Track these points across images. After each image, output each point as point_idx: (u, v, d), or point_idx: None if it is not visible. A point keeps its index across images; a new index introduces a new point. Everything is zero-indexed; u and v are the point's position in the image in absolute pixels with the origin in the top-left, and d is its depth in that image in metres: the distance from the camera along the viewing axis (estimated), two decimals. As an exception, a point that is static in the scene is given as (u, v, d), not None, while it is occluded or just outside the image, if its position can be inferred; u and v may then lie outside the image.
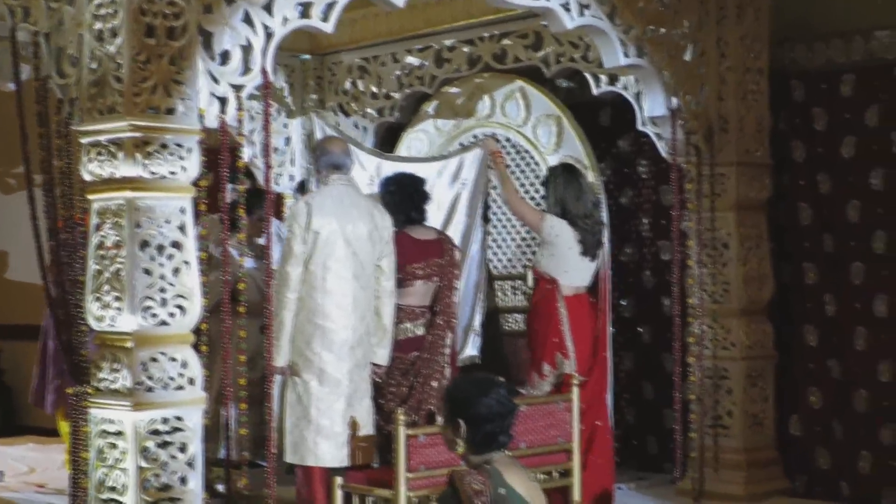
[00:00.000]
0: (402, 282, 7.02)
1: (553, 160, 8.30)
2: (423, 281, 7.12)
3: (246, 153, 8.22)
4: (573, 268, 7.38)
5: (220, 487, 7.17)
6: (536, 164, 8.33)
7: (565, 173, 7.50)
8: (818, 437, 7.85)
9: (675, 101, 7.54)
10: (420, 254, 7.10)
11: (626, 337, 8.54)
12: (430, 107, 8.82)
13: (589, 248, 7.41)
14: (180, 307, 5.53)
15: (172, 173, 5.52)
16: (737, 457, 7.69)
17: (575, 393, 7.00)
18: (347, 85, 9.29)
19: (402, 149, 8.79)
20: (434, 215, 7.53)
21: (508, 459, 4.43)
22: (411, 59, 8.99)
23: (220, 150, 5.95)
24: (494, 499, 4.27)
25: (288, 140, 8.89)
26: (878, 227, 7.60)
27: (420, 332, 7.11)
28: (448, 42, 8.79)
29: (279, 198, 8.77)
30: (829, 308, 7.83)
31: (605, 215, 7.78)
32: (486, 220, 7.90)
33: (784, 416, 7.93)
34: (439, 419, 6.81)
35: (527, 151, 8.37)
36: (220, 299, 6.13)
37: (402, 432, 6.27)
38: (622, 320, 8.51)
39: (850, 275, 7.73)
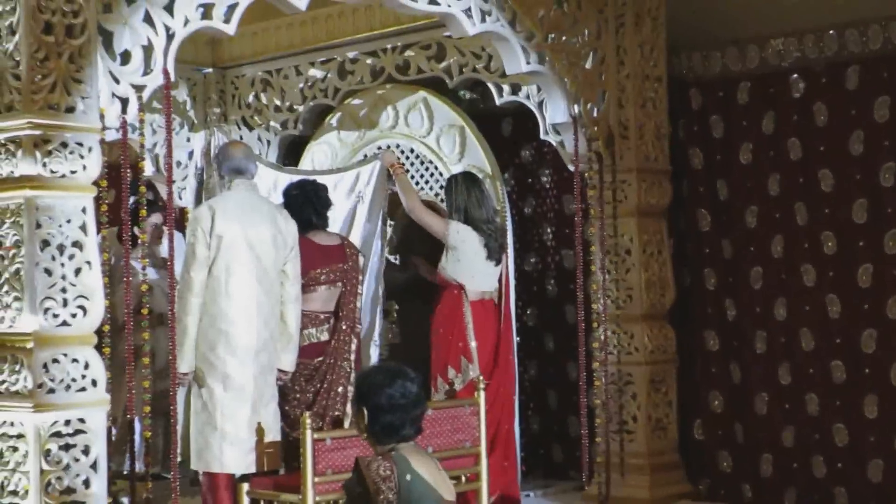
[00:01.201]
0: (305, 287, 7.01)
1: (457, 170, 8.36)
2: (326, 286, 7.13)
3: (148, 168, 8.16)
4: (479, 273, 7.44)
5: (125, 501, 7.07)
6: (440, 174, 8.39)
7: (466, 181, 7.57)
8: (720, 440, 7.96)
9: (576, 108, 7.64)
10: (323, 259, 7.10)
11: (530, 346, 8.58)
12: (333, 119, 8.86)
13: (493, 253, 7.48)
14: (82, 307, 5.48)
15: (73, 172, 5.48)
16: (641, 461, 7.76)
17: (481, 397, 7.03)
18: (251, 98, 9.28)
19: (307, 161, 8.80)
20: (331, 229, 7.53)
21: (415, 447, 4.45)
22: (314, 72, 9.00)
23: (120, 166, 5.93)
24: (401, 485, 4.29)
25: (191, 154, 8.84)
26: (777, 232, 7.74)
27: (324, 337, 7.11)
28: (351, 54, 8.83)
29: (182, 212, 8.72)
30: (729, 313, 7.95)
31: (507, 222, 7.84)
32: (384, 234, 7.90)
33: (687, 421, 8.02)
34: (346, 425, 6.83)
35: (430, 162, 8.43)
36: (125, 319, 6.10)
37: (308, 436, 6.26)
38: (526, 329, 8.57)
39: (749, 279, 7.86)
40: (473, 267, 7.42)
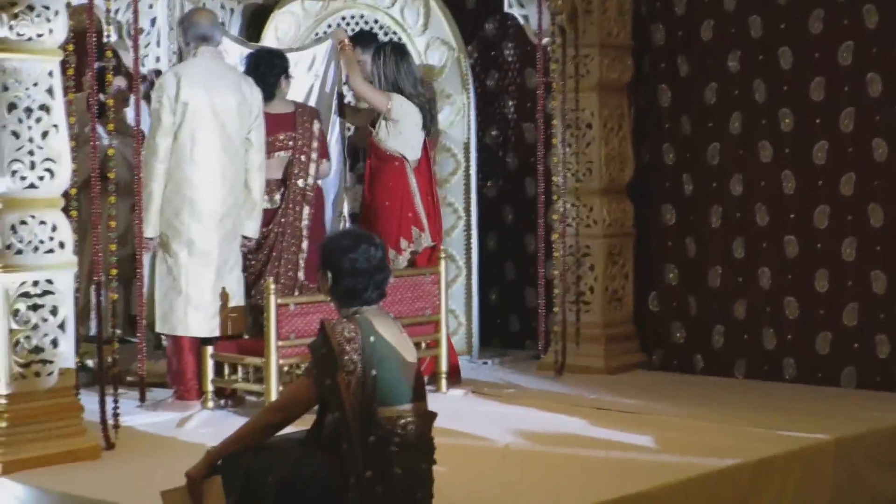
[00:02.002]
0: None
1: (421, 42, 8.41)
2: (276, 153, 7.19)
3: (112, 35, 8.14)
4: (417, 143, 7.53)
5: (90, 363, 7.20)
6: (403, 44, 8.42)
7: (395, 53, 7.56)
8: (674, 312, 8.13)
9: (541, -19, 7.67)
10: (273, 127, 7.13)
11: (488, 218, 8.68)
12: (297, -12, 8.83)
13: (426, 124, 7.56)
14: (49, 171, 5.53)
15: (39, 35, 5.50)
16: (597, 332, 7.95)
17: (442, 266, 7.18)
18: (214, -35, 9.20)
19: (270, 30, 8.78)
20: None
21: (378, 310, 4.54)
22: (278, -62, 8.95)
23: (85, 32, 5.93)
24: (364, 346, 4.39)
25: (153, 20, 8.77)
26: (735, 109, 7.83)
27: (275, 205, 7.20)
28: (316, -80, 8.78)
29: (144, 79, 8.70)
30: (686, 188, 8.07)
31: (470, 95, 7.90)
32: (340, 114, 7.92)
33: (642, 293, 8.19)
34: (296, 293, 6.96)
35: (394, 33, 8.45)
36: (88, 176, 6.14)
37: (272, 301, 6.38)
38: (485, 201, 8.67)
39: (707, 156, 7.96)
40: (414, 138, 7.50)
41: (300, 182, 7.24)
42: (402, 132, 7.46)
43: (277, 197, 7.21)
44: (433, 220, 7.56)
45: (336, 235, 4.76)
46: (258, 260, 7.16)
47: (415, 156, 7.52)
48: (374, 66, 7.55)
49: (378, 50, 7.62)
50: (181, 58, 7.56)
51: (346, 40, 7.75)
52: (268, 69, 7.27)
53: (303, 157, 7.25)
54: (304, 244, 7.20)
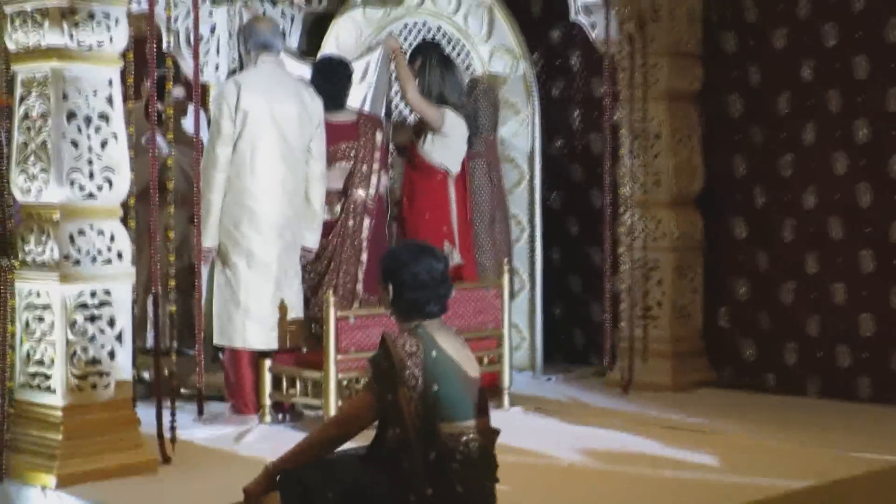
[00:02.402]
0: None
1: (485, 50, 8.44)
2: (338, 163, 7.23)
3: (172, 43, 8.23)
4: (461, 157, 7.59)
5: (147, 375, 7.26)
6: (467, 53, 8.48)
7: (441, 64, 7.59)
8: (745, 328, 8.07)
9: (608, -12, 7.68)
10: (334, 137, 7.17)
11: (553, 230, 8.68)
12: (358, -5, 8.89)
13: (473, 135, 7.64)
14: (108, 180, 5.59)
15: (100, 43, 5.56)
16: (665, 347, 7.91)
17: (506, 279, 7.17)
18: (274, -27, 9.29)
19: (331, 38, 8.83)
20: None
21: (440, 324, 4.53)
22: (340, -54, 9.01)
23: (144, 40, 5.99)
24: (426, 361, 4.39)
25: (213, 28, 8.85)
26: (808, 119, 7.77)
27: (335, 216, 7.24)
28: (379, -72, 8.84)
29: (204, 88, 8.77)
30: (758, 200, 8.01)
31: (534, 104, 7.91)
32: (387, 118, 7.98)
33: (712, 308, 8.14)
34: (356, 304, 6.99)
35: (458, 41, 8.49)
36: (146, 185, 6.20)
37: (332, 314, 6.41)
38: (550, 213, 8.66)
39: (779, 167, 7.90)
40: (459, 153, 7.56)
41: (361, 193, 7.27)
42: (449, 146, 7.50)
43: (338, 208, 7.25)
44: (464, 237, 7.58)
45: (398, 248, 4.77)
46: (317, 272, 7.20)
47: (458, 169, 7.57)
48: (420, 76, 7.57)
49: (423, 60, 7.63)
50: (241, 66, 7.62)
51: (399, 50, 7.75)
52: (332, 77, 7.32)
53: (364, 168, 7.29)
54: (364, 256, 7.23)
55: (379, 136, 7.38)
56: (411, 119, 8.06)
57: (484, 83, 8.27)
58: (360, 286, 7.22)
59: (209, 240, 6.70)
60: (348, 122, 7.33)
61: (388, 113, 7.95)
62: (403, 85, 7.54)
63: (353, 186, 7.27)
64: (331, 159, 7.17)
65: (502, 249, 8.05)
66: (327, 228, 7.18)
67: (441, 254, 4.61)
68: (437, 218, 7.48)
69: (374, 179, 7.32)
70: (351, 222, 7.24)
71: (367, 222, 7.28)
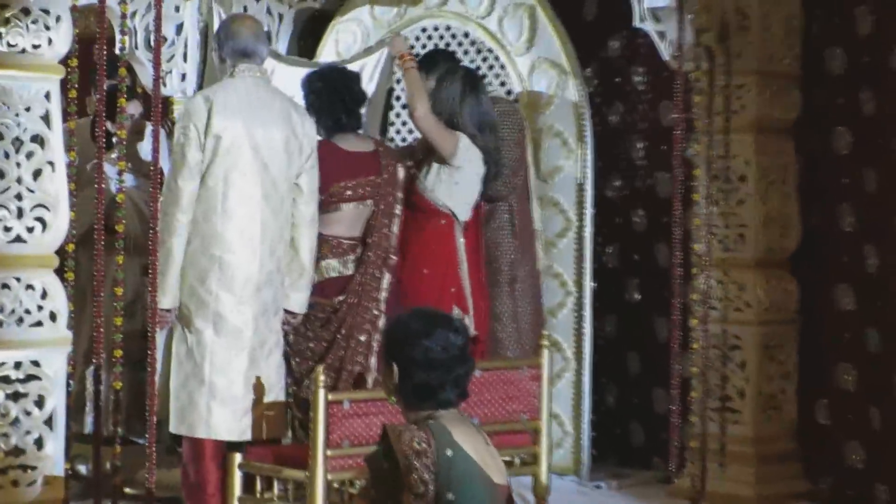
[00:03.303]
0: (327, 205, 7.14)
1: (524, 63, 8.49)
2: (353, 204, 7.26)
3: (126, 43, 8.28)
4: (472, 199, 7.55)
5: (83, 468, 7.29)
6: (502, 66, 8.53)
7: (466, 81, 7.56)
8: (851, 427, 8.04)
9: (683, -12, 7.72)
10: (350, 169, 7.22)
11: (608, 294, 8.71)
12: (364, -10, 8.96)
13: (487, 175, 7.54)
14: (41, 220, 5.62)
15: (35, 47, 5.62)
16: (747, 449, 7.90)
17: (545, 357, 7.17)
18: (259, -41, 9.38)
19: (329, 43, 8.93)
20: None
21: (457, 415, 4.54)
22: (342, -74, 9.11)
23: (92, 43, 6.04)
24: (440, 462, 4.39)
25: (180, 28, 8.92)
26: (938, 160, 7.82)
27: (348, 271, 7.25)
28: None
29: (166, 102, 8.83)
30: (869, 262, 8.00)
31: (587, 133, 7.96)
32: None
33: (808, 400, 8.12)
34: (370, 384, 6.99)
35: (489, 51, 8.56)
36: (90, 227, 6.23)
37: (321, 397, 6.41)
38: (605, 273, 8.68)
39: (898, 221, 7.94)
40: (470, 193, 7.51)
41: (383, 242, 7.30)
42: (458, 182, 7.45)
43: (351, 260, 7.29)
44: (479, 301, 7.59)
45: (404, 316, 4.75)
46: (322, 339, 7.21)
47: (467, 215, 7.55)
48: (437, 87, 7.55)
49: (441, 72, 7.63)
50: (211, 77, 7.66)
51: (408, 54, 7.75)
52: (340, 90, 7.34)
53: (385, 210, 7.32)
54: (382, 322, 7.24)
55: (401, 172, 7.40)
56: (410, 140, 8.05)
57: (505, 102, 8.30)
58: (374, 360, 7.21)
59: (168, 299, 6.68)
60: (365, 152, 7.37)
61: (384, 133, 7.95)
62: (413, 98, 7.51)
63: (373, 233, 7.29)
64: (340, 199, 7.22)
65: (525, 318, 8.04)
66: (338, 287, 7.21)
67: (460, 324, 4.62)
68: (439, 274, 7.46)
69: (395, 225, 7.35)
70: (369, 278, 7.27)
71: (386, 279, 7.29)
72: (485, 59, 8.56)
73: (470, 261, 7.55)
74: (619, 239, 8.93)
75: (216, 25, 8.08)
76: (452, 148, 7.39)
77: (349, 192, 7.25)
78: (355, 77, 7.49)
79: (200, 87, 8.34)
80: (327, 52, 9.00)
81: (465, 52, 8.57)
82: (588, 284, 8.43)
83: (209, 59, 8.18)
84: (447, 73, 7.63)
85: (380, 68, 7.95)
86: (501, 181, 7.85)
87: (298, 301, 7.01)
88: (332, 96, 7.30)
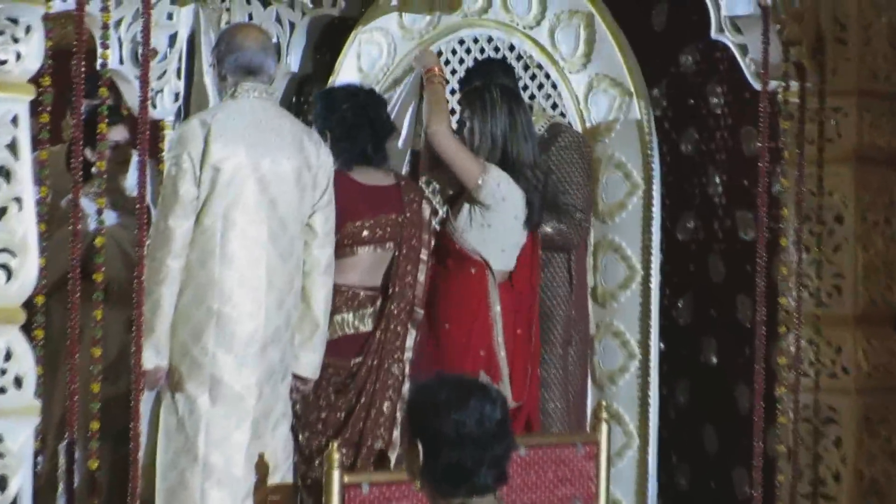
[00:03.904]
0: (340, 248, 7.17)
1: (579, 81, 8.48)
2: (371, 247, 7.29)
3: (108, 57, 8.31)
4: (512, 244, 7.54)
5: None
6: (553, 85, 8.53)
7: (507, 96, 7.58)
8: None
9: (769, -7, 7.71)
10: (367, 206, 7.24)
11: (679, 356, 8.70)
12: (392, -6, 8.99)
13: (534, 216, 7.57)
14: (5, 267, 5.62)
15: (1, 63, 5.62)
16: (846, 545, 7.87)
17: (603, 431, 7.14)
18: (268, -43, 9.42)
19: (350, 56, 8.94)
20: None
21: (496, 502, 4.53)
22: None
23: (69, 57, 6.05)
24: (473, 564, 4.39)
25: (173, 39, 8.97)
26: None
27: (366, 327, 7.25)
28: None
29: (155, 126, 8.86)
30: None
31: (654, 163, 7.95)
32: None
33: (921, 485, 8.10)
34: (393, 462, 6.98)
35: (539, 67, 8.57)
36: (64, 274, 6.23)
37: (335, 479, 6.39)
38: (674, 330, 8.67)
39: None
40: (508, 237, 7.52)
41: (407, 292, 7.29)
42: (490, 224, 7.46)
43: (369, 314, 7.26)
44: (519, 366, 7.56)
45: (430, 384, 4.73)
46: (337, 408, 7.19)
47: (503, 264, 7.55)
48: (470, 115, 7.57)
49: (474, 89, 7.62)
50: (199, 100, 7.67)
51: (437, 69, 7.77)
52: (371, 120, 7.36)
53: (409, 254, 7.33)
54: (406, 387, 7.24)
55: (427, 210, 7.43)
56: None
57: (570, 131, 8.30)
58: (397, 433, 7.20)
59: (155, 358, 6.72)
60: (385, 186, 7.40)
61: (416, 164, 7.96)
62: (430, 112, 7.52)
63: (398, 282, 7.31)
64: (356, 240, 7.23)
65: (575, 386, 8.03)
66: (356, 346, 7.24)
67: (497, 393, 4.59)
68: (464, 332, 7.47)
69: (422, 275, 7.37)
70: (390, 336, 7.27)
71: (412, 337, 7.32)
72: (533, 77, 8.55)
73: (509, 318, 7.52)
74: (693, 291, 8.88)
75: (204, 34, 8.12)
76: (476, 177, 7.41)
77: (366, 233, 7.29)
78: (384, 103, 7.51)
79: (185, 111, 8.37)
80: (348, 68, 9.00)
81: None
82: (655, 345, 8.42)
83: (196, 77, 8.18)
84: (476, 88, 7.62)
85: (406, 89, 7.94)
86: (572, 226, 7.85)
87: (310, 363, 7.04)
88: (360, 121, 7.30)
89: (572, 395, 8.01)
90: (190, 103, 8.82)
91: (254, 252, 6.79)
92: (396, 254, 7.33)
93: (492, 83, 7.68)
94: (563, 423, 7.93)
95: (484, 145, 7.53)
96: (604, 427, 7.15)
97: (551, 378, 8.00)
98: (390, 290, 7.31)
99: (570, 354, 8.09)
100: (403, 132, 7.94)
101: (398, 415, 7.22)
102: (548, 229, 7.94)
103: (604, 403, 7.34)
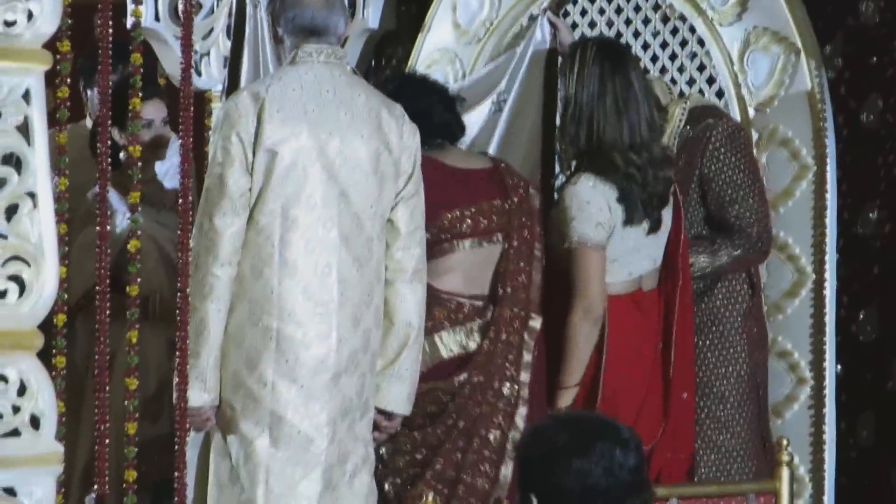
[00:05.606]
0: (432, 247, 7.22)
1: (732, 37, 8.52)
2: (474, 242, 7.38)
3: (142, 15, 8.42)
4: (623, 252, 7.59)
5: None
6: (700, 42, 8.57)
7: (602, 55, 7.58)
8: None
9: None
10: (462, 192, 7.35)
11: (860, 376, 8.77)
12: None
13: (647, 212, 7.58)
14: (17, 279, 5.76)
15: (9, 24, 5.77)
16: None
17: (786, 479, 7.17)
18: None
19: (444, 10, 9.02)
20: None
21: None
22: None
23: (94, 8, 6.16)
24: None
25: (219, -7, 9.10)
26: None
27: (472, 345, 7.34)
28: None
29: (201, 99, 8.97)
30: None
31: (830, 141, 8.04)
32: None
33: None
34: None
35: (681, 18, 8.61)
36: (91, 286, 6.34)
37: (430, 536, 6.51)
38: (854, 345, 8.74)
39: None
40: (613, 247, 7.55)
41: (520, 294, 7.39)
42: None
43: (478, 328, 7.39)
44: (654, 404, 7.67)
45: (545, 430, 4.80)
46: (426, 444, 7.31)
47: (616, 275, 7.57)
48: (562, 85, 7.65)
49: (582, 54, 7.62)
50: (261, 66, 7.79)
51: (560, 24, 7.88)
52: (433, 87, 7.49)
53: (523, 248, 7.42)
54: (521, 414, 7.32)
55: (536, 199, 7.52)
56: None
57: (721, 127, 8.28)
58: (505, 470, 7.27)
59: (202, 393, 6.81)
60: (480, 169, 7.51)
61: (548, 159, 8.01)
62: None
63: (506, 285, 7.39)
64: (455, 234, 7.36)
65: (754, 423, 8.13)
66: (454, 366, 7.32)
67: (631, 434, 4.66)
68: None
69: (537, 274, 7.43)
70: (500, 348, 7.34)
71: (527, 356, 7.38)
72: (674, 32, 8.62)
73: (636, 337, 7.63)
74: (877, 299, 8.95)
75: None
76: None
77: (467, 224, 7.35)
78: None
79: (232, 85, 8.46)
80: (440, 23, 9.06)
81: (646, 23, 8.62)
82: (831, 368, 8.45)
83: (247, 43, 8.24)
84: (582, 53, 7.62)
85: (527, 56, 8.03)
86: (750, 246, 7.91)
87: (397, 396, 7.06)
88: (432, 98, 7.47)
89: (754, 430, 8.04)
90: (239, 70, 8.93)
91: (321, 258, 6.82)
92: (506, 247, 7.39)
93: (589, 40, 7.81)
94: (740, 467, 7.97)
95: (569, 127, 7.58)
96: (785, 472, 7.17)
97: (727, 410, 8.05)
98: (500, 293, 7.33)
99: (759, 390, 8.13)
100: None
101: (508, 446, 7.22)
102: (723, 259, 7.98)
103: (784, 441, 7.24)
